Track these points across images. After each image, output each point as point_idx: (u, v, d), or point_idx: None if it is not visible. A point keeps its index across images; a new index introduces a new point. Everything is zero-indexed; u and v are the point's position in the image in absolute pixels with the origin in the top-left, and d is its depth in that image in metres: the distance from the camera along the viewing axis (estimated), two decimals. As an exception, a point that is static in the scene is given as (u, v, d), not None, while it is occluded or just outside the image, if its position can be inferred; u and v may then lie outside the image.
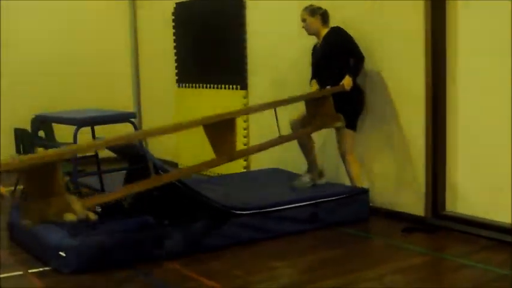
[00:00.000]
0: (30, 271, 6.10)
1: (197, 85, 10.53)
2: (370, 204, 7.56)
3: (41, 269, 6.11)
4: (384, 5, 7.42)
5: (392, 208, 7.54)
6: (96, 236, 6.15)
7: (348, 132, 7.55)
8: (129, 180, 7.05)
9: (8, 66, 11.35)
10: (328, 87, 7.44)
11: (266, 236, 6.81)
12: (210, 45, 10.18)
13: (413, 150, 7.25)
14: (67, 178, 8.39)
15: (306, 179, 7.86)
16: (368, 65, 7.62)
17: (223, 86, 9.87)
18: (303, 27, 7.75)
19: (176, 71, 11.13)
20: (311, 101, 7.39)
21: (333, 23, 7.69)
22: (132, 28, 12.41)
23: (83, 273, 5.91)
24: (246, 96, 9.57)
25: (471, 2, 6.76)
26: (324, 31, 7.69)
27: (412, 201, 7.33)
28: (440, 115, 7.06)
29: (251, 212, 6.81)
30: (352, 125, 7.55)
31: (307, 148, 7.86)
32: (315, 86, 7.75)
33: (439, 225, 7.05)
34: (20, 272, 6.11)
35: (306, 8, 7.73)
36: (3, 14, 11.25)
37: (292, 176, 8.12)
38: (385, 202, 7.61)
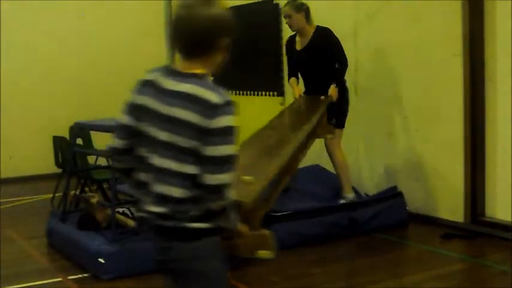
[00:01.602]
0: (69, 277, 6.15)
1: (232, 92, 10.54)
2: (408, 209, 7.50)
3: (80, 276, 6.17)
4: (420, 7, 7.38)
5: (430, 214, 7.49)
6: (136, 243, 6.17)
7: (337, 131, 7.43)
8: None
9: (46, 75, 11.48)
10: (322, 97, 7.25)
11: (303, 241, 6.78)
12: (245, 51, 10.19)
13: (452, 155, 7.20)
14: (106, 185, 8.48)
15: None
16: (405, 69, 7.60)
17: (259, 92, 9.87)
18: (287, 23, 7.45)
19: (212, 77, 11.13)
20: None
21: (370, 27, 7.69)
22: (169, 35, 12.45)
23: (122, 279, 5.95)
24: (282, 103, 9.53)
25: (510, 1, 6.70)
26: (310, 30, 7.39)
27: (451, 207, 7.28)
28: (479, 119, 7.00)
29: (288, 213, 6.80)
30: (341, 124, 7.45)
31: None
32: (296, 87, 7.54)
33: (479, 231, 6.99)
34: (59, 279, 6.16)
35: (290, 3, 7.39)
36: (42, 26, 11.37)
37: (331, 177, 8.02)
38: (424, 208, 7.56)
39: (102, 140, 8.28)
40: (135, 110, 2.93)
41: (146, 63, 12.11)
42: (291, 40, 7.65)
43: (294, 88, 7.56)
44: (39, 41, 11.40)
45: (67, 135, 8.76)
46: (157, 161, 2.84)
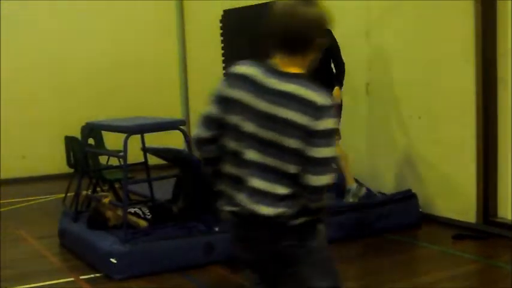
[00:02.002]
0: (81, 277, 6.17)
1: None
2: (420, 211, 7.49)
3: (92, 276, 6.18)
4: (432, 7, 7.36)
5: (442, 214, 7.47)
6: (147, 243, 6.19)
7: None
8: (179, 185, 7.09)
9: (58, 76, 11.52)
10: None
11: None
12: (260, 52, 10.16)
13: (464, 156, 7.17)
14: (117, 185, 8.50)
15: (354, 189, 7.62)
16: (416, 69, 7.58)
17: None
18: None
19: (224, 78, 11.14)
20: None
21: (382, 27, 7.67)
22: (181, 35, 12.47)
23: (134, 279, 5.97)
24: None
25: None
26: None
27: (462, 207, 7.26)
28: (491, 120, 6.97)
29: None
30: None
31: None
32: None
33: (490, 231, 6.96)
34: (71, 279, 6.18)
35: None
36: (54, 26, 11.41)
37: (340, 177, 8.02)
38: (435, 209, 7.55)
39: (113, 140, 8.35)
40: (224, 102, 2.98)
41: (158, 63, 12.28)
42: None
43: None
44: (51, 42, 11.44)
45: (79, 136, 8.78)
46: (255, 156, 2.90)
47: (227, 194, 3.03)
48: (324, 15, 2.97)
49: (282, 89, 2.87)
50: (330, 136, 2.87)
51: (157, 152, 7.66)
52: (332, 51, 7.34)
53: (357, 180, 7.69)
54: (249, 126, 2.90)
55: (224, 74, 2.67)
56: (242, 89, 2.93)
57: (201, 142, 3.08)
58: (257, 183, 2.90)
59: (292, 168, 2.86)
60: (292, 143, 2.83)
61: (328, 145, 2.85)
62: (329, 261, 3.16)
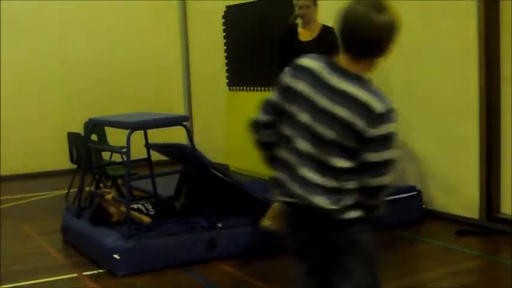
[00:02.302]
0: (84, 273, 6.18)
1: (248, 88, 10.53)
2: (423, 207, 7.49)
3: (95, 272, 6.19)
4: (435, 5, 7.35)
5: (445, 210, 7.47)
6: (150, 239, 6.19)
7: None
8: (182, 181, 7.10)
9: (61, 72, 11.52)
10: None
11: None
12: (261, 48, 10.18)
13: (467, 152, 7.17)
14: (120, 181, 8.51)
15: None
16: (420, 67, 7.58)
17: (272, 88, 9.84)
18: (302, 14, 7.31)
19: (227, 74, 11.16)
20: None
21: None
22: (183, 31, 12.47)
23: (137, 275, 5.98)
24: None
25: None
26: (317, 24, 7.36)
27: (466, 203, 7.26)
28: (494, 117, 6.97)
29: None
30: None
31: None
32: None
33: (494, 228, 6.97)
34: (74, 275, 6.18)
35: None
36: (57, 23, 11.42)
37: None
38: (438, 204, 7.55)
39: (116, 136, 8.35)
40: (285, 90, 3.10)
41: (160, 61, 12.30)
42: (292, 30, 7.51)
43: None
44: (54, 39, 11.44)
45: (82, 132, 8.79)
46: (307, 147, 3.00)
47: (281, 183, 3.12)
48: (394, 22, 3.06)
49: (342, 88, 2.95)
50: (388, 140, 2.95)
51: (160, 148, 7.67)
52: (335, 50, 7.26)
53: None
54: (305, 117, 3.00)
55: (292, 64, 2.81)
56: (304, 81, 3.03)
57: (258, 125, 3.21)
58: (308, 173, 3.00)
59: (343, 163, 2.96)
60: (347, 141, 2.92)
61: (385, 149, 2.95)
62: (373, 257, 3.25)
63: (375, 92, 2.97)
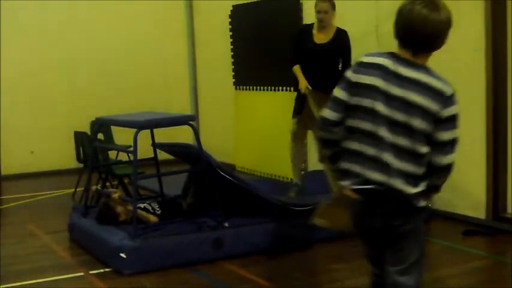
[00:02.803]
0: (90, 272, 6.19)
1: (255, 87, 10.53)
2: (430, 206, 7.47)
3: (101, 270, 6.20)
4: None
5: (452, 210, 7.46)
6: (156, 238, 6.20)
7: None
8: (190, 181, 7.10)
9: (68, 71, 11.53)
10: None
11: (323, 236, 6.78)
12: (268, 47, 10.18)
13: (474, 151, 7.15)
14: (126, 180, 8.52)
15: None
16: (427, 63, 7.56)
17: (281, 88, 9.84)
18: (321, 18, 7.52)
19: (233, 73, 11.16)
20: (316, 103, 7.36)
21: (392, 24, 7.66)
22: (189, 30, 12.48)
23: (143, 274, 5.99)
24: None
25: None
26: (333, 28, 7.61)
27: (472, 203, 7.25)
28: (501, 116, 6.96)
29: (309, 208, 6.81)
30: None
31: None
32: (303, 77, 7.58)
33: (500, 228, 6.95)
34: (81, 273, 6.19)
35: (327, 0, 7.53)
36: (65, 22, 11.44)
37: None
38: (445, 204, 7.53)
39: (123, 135, 8.37)
40: (355, 87, 3.33)
41: (166, 60, 12.30)
42: (307, 30, 7.74)
43: (301, 77, 7.60)
44: (61, 38, 11.47)
45: (88, 131, 8.80)
46: (386, 135, 3.26)
47: (354, 172, 3.35)
48: (451, 20, 3.38)
49: (412, 77, 3.26)
50: (455, 120, 3.31)
51: (167, 148, 7.67)
52: (346, 53, 7.54)
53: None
54: (381, 108, 3.25)
55: (355, 63, 3.10)
56: (375, 75, 3.28)
57: (328, 124, 3.40)
58: (389, 159, 3.25)
59: (420, 148, 3.26)
60: (419, 124, 3.22)
61: (454, 128, 3.31)
62: (423, 244, 3.59)
63: (440, 78, 3.33)
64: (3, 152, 11.08)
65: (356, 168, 3.33)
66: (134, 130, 6.40)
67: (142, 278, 5.94)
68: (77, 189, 8.87)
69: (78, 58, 11.58)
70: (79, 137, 8.85)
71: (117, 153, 9.13)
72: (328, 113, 3.40)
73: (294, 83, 7.87)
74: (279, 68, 9.91)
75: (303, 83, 7.56)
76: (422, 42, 3.32)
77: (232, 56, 11.17)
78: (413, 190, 3.27)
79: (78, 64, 11.60)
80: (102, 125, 7.93)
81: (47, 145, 11.45)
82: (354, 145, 3.34)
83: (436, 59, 7.47)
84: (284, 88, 9.71)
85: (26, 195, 9.82)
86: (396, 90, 3.24)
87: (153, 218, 6.63)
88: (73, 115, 11.09)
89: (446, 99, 3.27)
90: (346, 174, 3.38)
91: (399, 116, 3.23)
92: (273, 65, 10.06)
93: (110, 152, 8.76)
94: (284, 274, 5.95)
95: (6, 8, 11.00)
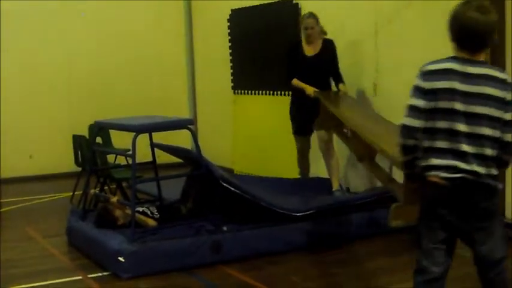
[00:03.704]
0: (89, 276, 6.18)
1: (254, 91, 10.53)
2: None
3: (99, 274, 6.19)
4: (441, 7, 7.33)
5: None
6: (155, 242, 6.19)
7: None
8: (189, 185, 7.10)
9: (66, 74, 11.54)
10: (341, 92, 8.05)
11: (322, 241, 6.78)
12: (266, 51, 10.18)
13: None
14: (125, 184, 8.51)
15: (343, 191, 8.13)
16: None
17: (280, 92, 9.85)
18: (310, 34, 8.06)
19: (232, 77, 11.16)
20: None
21: (391, 27, 7.68)
22: (188, 35, 12.48)
23: (142, 278, 5.98)
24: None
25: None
26: (320, 40, 8.12)
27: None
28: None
29: (309, 213, 6.81)
30: None
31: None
32: (305, 84, 7.97)
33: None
34: (79, 277, 6.19)
35: (312, 16, 8.10)
36: (62, 25, 11.44)
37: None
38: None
39: (121, 139, 8.36)
40: (428, 93, 3.72)
41: (165, 64, 12.27)
42: (297, 46, 8.23)
43: (303, 85, 7.99)
44: (59, 40, 11.47)
45: (87, 134, 8.79)
46: (464, 128, 3.64)
47: (438, 165, 3.69)
48: (497, 20, 3.80)
49: (481, 73, 3.67)
50: None
51: (167, 150, 7.68)
52: (335, 61, 8.15)
53: (340, 186, 8.10)
54: (459, 106, 3.63)
55: (422, 72, 3.88)
56: (448, 79, 3.67)
57: (412, 130, 3.74)
58: (476, 149, 3.64)
59: (498, 133, 3.67)
60: (494, 112, 3.65)
61: None
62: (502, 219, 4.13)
63: (499, 69, 3.77)
64: (2, 155, 11.05)
65: (440, 162, 3.69)
66: (133, 134, 6.40)
67: (140, 282, 5.93)
68: (75, 193, 8.85)
69: (76, 61, 11.58)
70: (77, 140, 8.84)
71: (115, 157, 9.13)
72: (410, 121, 3.76)
73: (295, 95, 8.29)
74: (279, 72, 9.92)
75: (309, 88, 7.91)
76: (478, 42, 3.71)
77: (231, 60, 11.17)
78: (494, 172, 3.69)
79: (76, 67, 11.59)
80: (100, 128, 7.92)
81: (45, 149, 11.44)
82: (435, 143, 3.71)
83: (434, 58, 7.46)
84: (283, 92, 9.71)
85: (25, 198, 9.80)
86: (471, 88, 3.64)
87: (151, 222, 6.62)
88: (71, 119, 11.09)
89: (508, 86, 3.70)
90: (430, 169, 3.72)
91: (477, 109, 3.63)
92: (272, 69, 10.06)
93: (108, 156, 8.74)
94: (283, 278, 5.94)
95: (6, 8, 11.01)
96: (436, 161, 3.72)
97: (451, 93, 3.65)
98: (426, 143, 3.75)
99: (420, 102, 3.74)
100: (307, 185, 8.31)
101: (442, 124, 3.69)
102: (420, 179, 3.81)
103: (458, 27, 3.75)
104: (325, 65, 8.08)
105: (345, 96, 8.03)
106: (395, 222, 5.73)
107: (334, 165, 8.12)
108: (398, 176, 6.55)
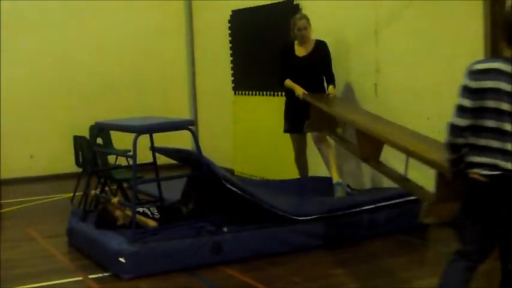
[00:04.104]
0: (89, 277, 6.18)
1: (254, 92, 10.53)
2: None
3: (100, 275, 6.19)
4: (441, 8, 7.35)
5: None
6: (156, 242, 6.19)
7: None
8: (190, 186, 7.10)
9: (66, 75, 11.54)
10: (329, 94, 8.16)
11: (323, 242, 6.78)
12: (267, 52, 10.17)
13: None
14: (126, 185, 8.51)
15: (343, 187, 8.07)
16: (425, 70, 7.58)
17: (280, 93, 9.83)
18: (303, 35, 8.23)
19: (232, 78, 11.16)
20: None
21: (391, 28, 7.69)
22: (189, 36, 12.48)
23: (142, 279, 5.98)
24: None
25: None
26: (312, 41, 8.32)
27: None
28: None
29: (311, 217, 6.81)
30: None
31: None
32: (297, 85, 8.14)
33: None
34: (80, 278, 6.20)
35: (304, 17, 8.33)
36: (62, 26, 11.45)
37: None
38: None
39: (122, 140, 8.37)
40: (475, 92, 3.79)
41: (166, 65, 12.28)
42: (290, 47, 8.42)
43: (295, 86, 8.16)
44: (60, 41, 11.48)
45: (87, 135, 8.79)
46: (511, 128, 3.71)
47: (483, 163, 3.78)
48: None
49: None
50: None
51: (167, 153, 7.68)
52: (328, 60, 8.34)
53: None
54: (506, 107, 3.70)
55: (469, 71, 3.93)
56: (495, 79, 3.73)
57: (459, 129, 3.83)
58: None
59: None
60: None
61: None
62: None
63: None
64: (3, 156, 11.06)
65: (485, 160, 3.78)
66: (133, 135, 6.40)
67: (141, 283, 5.93)
68: (76, 194, 8.86)
69: (77, 62, 11.58)
70: (78, 141, 8.84)
71: (116, 157, 9.13)
72: (458, 120, 3.84)
73: (288, 96, 8.47)
74: (277, 73, 9.91)
75: (299, 90, 8.09)
76: None
77: (232, 61, 11.17)
78: None
79: (77, 68, 11.60)
80: (101, 129, 7.92)
81: (46, 149, 11.46)
82: (481, 141, 3.79)
83: (435, 64, 7.50)
84: (283, 93, 9.70)
85: (25, 199, 9.81)
86: None
87: (151, 223, 6.62)
88: (72, 120, 11.08)
89: None
90: (474, 166, 3.82)
91: None
92: (272, 70, 10.04)
93: (108, 157, 8.75)
94: (283, 279, 5.94)
95: (6, 8, 11.02)
96: (476, 159, 3.81)
97: (498, 93, 3.73)
98: (470, 140, 3.84)
99: (467, 102, 3.82)
100: (310, 185, 8.32)
101: (489, 123, 3.77)
102: (463, 176, 3.90)
103: (509, 26, 3.82)
104: (317, 65, 8.23)
105: (335, 98, 8.16)
106: (427, 219, 5.77)
107: (331, 156, 8.17)
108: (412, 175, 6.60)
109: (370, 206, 7.16)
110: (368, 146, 6.74)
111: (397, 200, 7.27)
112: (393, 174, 6.70)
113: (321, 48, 8.31)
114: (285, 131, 8.54)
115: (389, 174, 6.87)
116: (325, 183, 8.14)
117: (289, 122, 8.45)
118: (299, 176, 8.69)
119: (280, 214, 6.70)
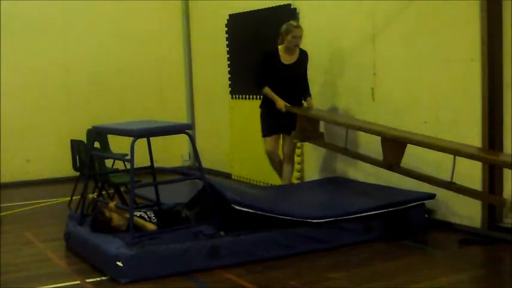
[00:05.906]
0: (87, 280, 6.17)
1: (251, 96, 10.53)
2: (426, 216, 7.48)
3: (98, 279, 6.19)
4: (438, 11, 7.36)
5: (448, 220, 7.47)
6: (153, 246, 6.19)
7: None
8: (202, 195, 7.07)
9: (64, 79, 11.55)
10: (306, 104, 8.58)
11: (323, 246, 6.79)
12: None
13: (470, 160, 7.15)
14: (123, 189, 8.51)
15: None
16: (422, 74, 7.59)
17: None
18: (297, 42, 8.41)
19: (230, 82, 11.17)
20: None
21: (388, 31, 7.72)
22: (186, 40, 12.49)
23: (140, 282, 5.98)
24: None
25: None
26: (297, 49, 8.50)
27: (468, 212, 7.25)
28: (497, 124, 6.97)
29: (318, 221, 6.81)
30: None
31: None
32: (277, 96, 8.39)
33: (497, 237, 6.95)
34: (77, 282, 6.18)
35: (300, 26, 8.47)
36: (60, 29, 11.45)
37: (355, 183, 8.26)
38: (441, 214, 7.54)
39: (119, 144, 8.37)
40: None
41: (163, 69, 12.30)
42: (275, 54, 8.51)
43: (277, 99, 8.41)
44: (56, 45, 11.49)
45: (85, 139, 8.79)
46: None
47: None
48: None
49: None
50: None
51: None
52: (306, 72, 8.58)
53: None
54: None
55: None
56: None
57: None
58: None
59: None
60: None
61: None
62: None
63: None
64: (0, 160, 11.07)
65: None
66: (130, 139, 6.41)
67: (139, 286, 5.93)
68: (73, 198, 8.86)
69: (74, 66, 11.59)
70: (75, 145, 8.84)
71: (114, 161, 9.13)
72: None
73: (266, 103, 8.61)
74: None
75: (281, 103, 8.33)
76: None
77: (229, 65, 11.18)
78: None
79: (74, 72, 11.61)
80: (98, 133, 7.92)
81: (43, 154, 11.46)
82: None
83: (432, 68, 7.52)
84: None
85: (22, 203, 9.81)
86: None
87: (151, 226, 6.62)
88: (69, 124, 11.10)
89: None
90: None
91: None
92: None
93: (106, 161, 8.75)
94: (281, 283, 5.94)
95: (6, 9, 11.02)
96: None
97: None
98: None
99: None
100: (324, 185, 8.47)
101: None
102: None
103: None
104: (301, 73, 8.54)
105: (315, 108, 8.49)
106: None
107: (291, 172, 8.71)
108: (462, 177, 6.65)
109: (368, 213, 7.15)
110: (389, 153, 6.83)
111: (396, 208, 7.27)
112: (435, 181, 6.78)
113: (304, 58, 8.55)
114: (265, 135, 8.69)
115: (431, 181, 6.91)
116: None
117: (268, 125, 8.63)
118: (280, 179, 8.81)
119: (300, 220, 6.75)
